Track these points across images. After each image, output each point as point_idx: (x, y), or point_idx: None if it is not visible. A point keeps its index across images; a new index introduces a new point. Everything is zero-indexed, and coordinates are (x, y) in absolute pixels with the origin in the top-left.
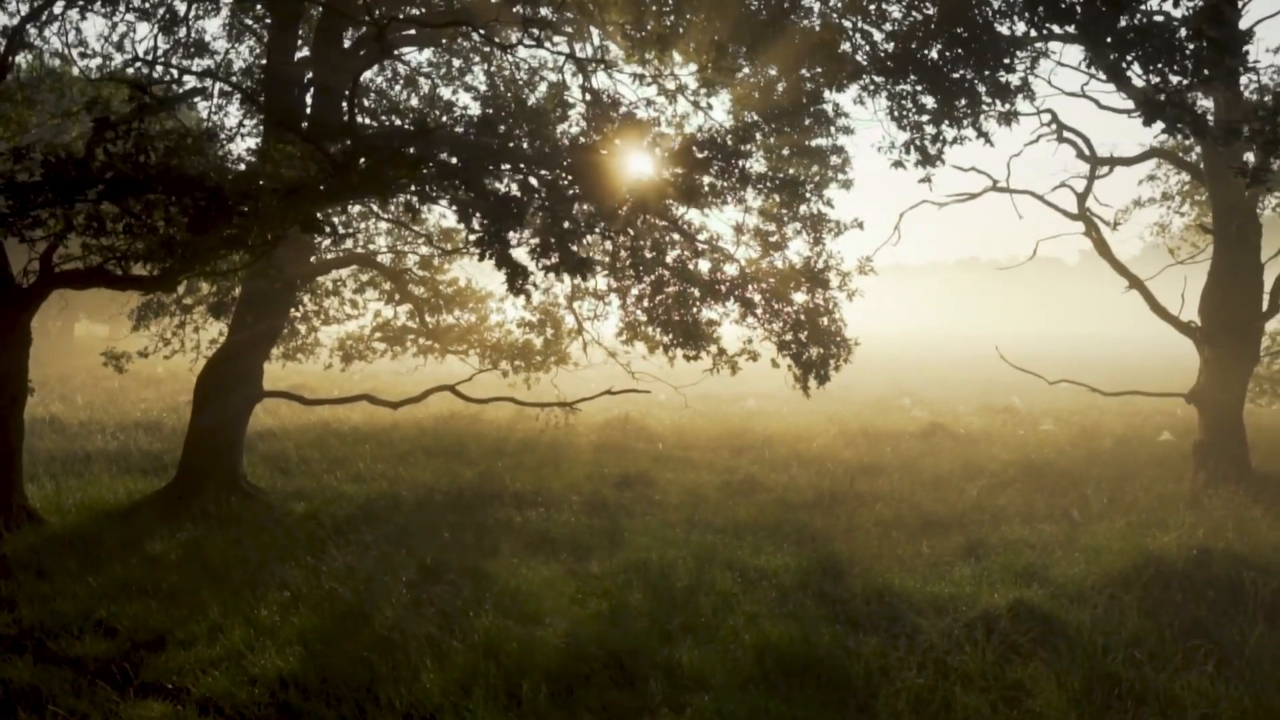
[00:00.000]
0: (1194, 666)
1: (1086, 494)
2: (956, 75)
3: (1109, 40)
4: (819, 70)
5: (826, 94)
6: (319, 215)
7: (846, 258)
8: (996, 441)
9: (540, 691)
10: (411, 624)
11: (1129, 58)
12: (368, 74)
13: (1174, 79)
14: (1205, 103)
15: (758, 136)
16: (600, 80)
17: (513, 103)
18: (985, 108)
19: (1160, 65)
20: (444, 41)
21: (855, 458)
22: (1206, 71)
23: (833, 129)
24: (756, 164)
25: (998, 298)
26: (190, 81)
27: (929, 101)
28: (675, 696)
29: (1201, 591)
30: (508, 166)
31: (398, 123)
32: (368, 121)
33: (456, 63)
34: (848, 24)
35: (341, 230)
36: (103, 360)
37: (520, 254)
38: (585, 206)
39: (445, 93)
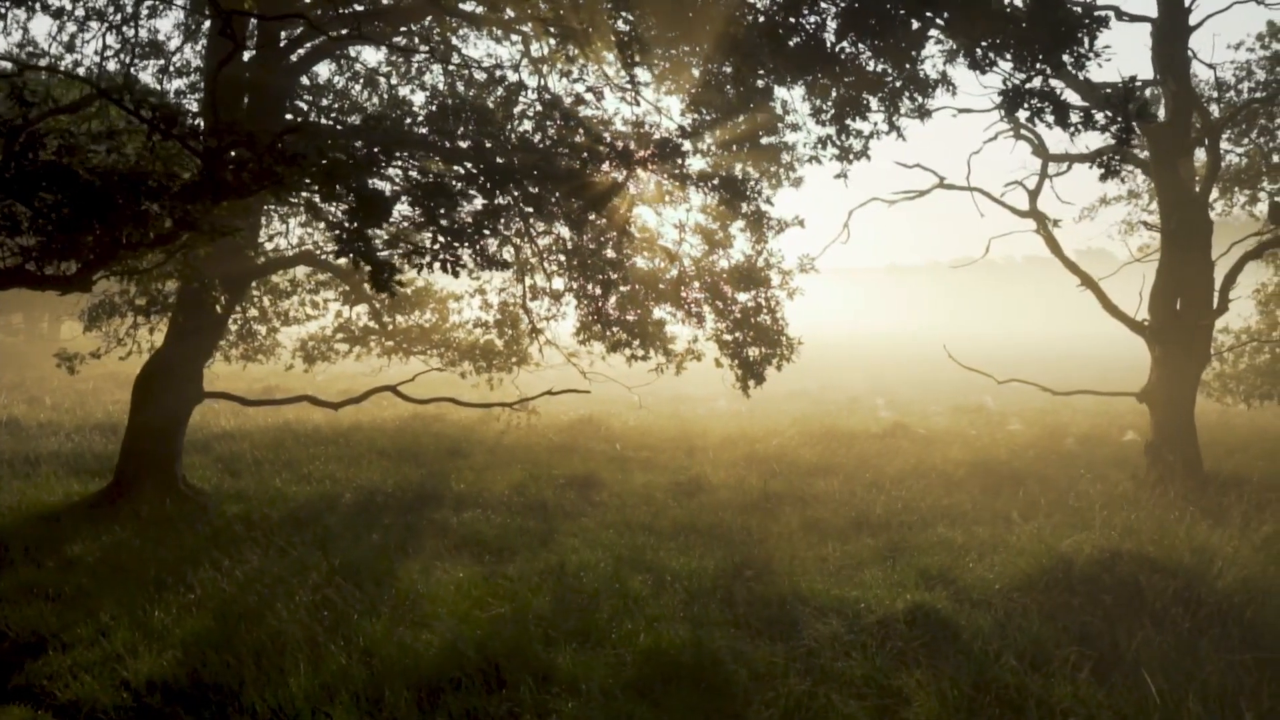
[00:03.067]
0: (1079, 672)
1: (1030, 494)
2: (869, 69)
3: (975, 29)
4: (767, 68)
5: (777, 91)
6: (195, 213)
7: (807, 257)
8: (956, 442)
9: (402, 696)
10: (301, 627)
11: (985, 45)
12: (325, 74)
13: (1036, 66)
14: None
15: (716, 133)
16: (563, 81)
17: (459, 100)
18: (908, 100)
19: (1022, 53)
20: (400, 42)
21: (810, 458)
22: (1065, 59)
23: (780, 125)
24: (698, 162)
25: (998, 297)
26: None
27: (837, 95)
28: (544, 702)
29: (1098, 596)
30: (401, 163)
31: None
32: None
33: (416, 62)
34: (765, 18)
35: (223, 229)
36: (56, 362)
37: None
38: (479, 204)
39: (404, 91)
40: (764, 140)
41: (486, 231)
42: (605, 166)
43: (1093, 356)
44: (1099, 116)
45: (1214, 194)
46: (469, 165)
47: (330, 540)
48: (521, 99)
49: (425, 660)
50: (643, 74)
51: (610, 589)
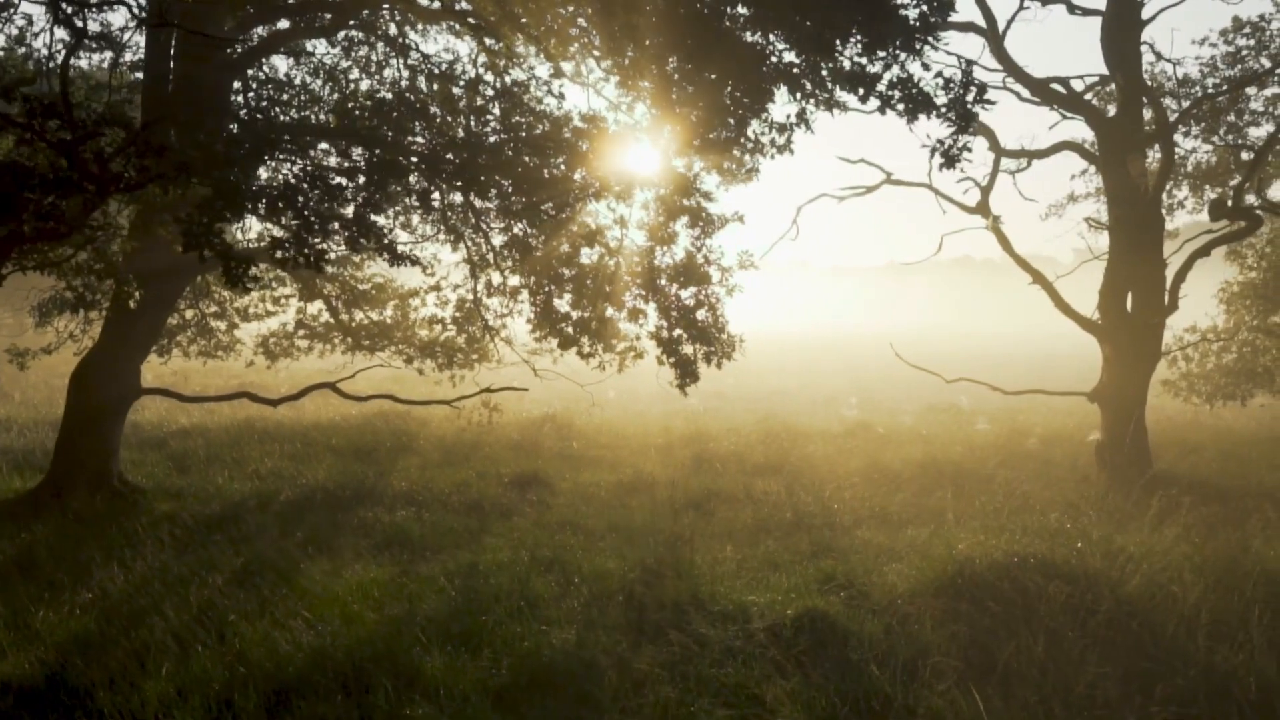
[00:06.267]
0: (939, 682)
1: (968, 495)
2: (775, 60)
3: (820, 16)
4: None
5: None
6: (65, 208)
7: (746, 254)
8: (915, 441)
9: (252, 701)
10: (178, 629)
11: (828, 27)
12: (283, 68)
13: (885, 51)
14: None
15: (665, 128)
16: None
17: (398, 94)
18: (820, 91)
19: (865, 39)
20: (357, 35)
21: (761, 458)
22: (917, 43)
23: (731, 121)
24: (649, 158)
25: (998, 296)
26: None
27: (742, 89)
28: (401, 708)
29: (986, 603)
30: (284, 156)
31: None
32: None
33: (374, 57)
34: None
35: (89, 224)
36: (7, 357)
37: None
38: (362, 196)
39: (364, 86)
40: (711, 135)
41: (373, 224)
42: (533, 160)
43: (1084, 354)
44: (941, 104)
45: (1184, 191)
46: (357, 156)
47: (248, 539)
48: (477, 94)
49: (292, 663)
50: (595, 70)
51: (514, 592)
